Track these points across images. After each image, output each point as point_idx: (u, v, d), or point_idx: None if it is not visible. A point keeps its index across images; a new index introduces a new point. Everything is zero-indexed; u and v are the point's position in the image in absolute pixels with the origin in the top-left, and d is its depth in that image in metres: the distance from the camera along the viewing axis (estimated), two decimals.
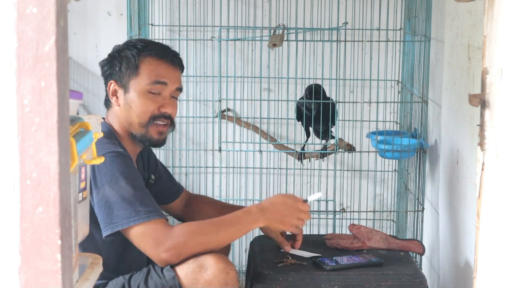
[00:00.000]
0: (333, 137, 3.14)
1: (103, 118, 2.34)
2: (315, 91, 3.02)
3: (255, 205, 2.28)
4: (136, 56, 2.28)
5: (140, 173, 2.24)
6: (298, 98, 3.30)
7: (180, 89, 2.35)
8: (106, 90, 2.34)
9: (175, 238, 2.12)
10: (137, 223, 2.11)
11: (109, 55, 2.34)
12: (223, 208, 2.52)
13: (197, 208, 2.61)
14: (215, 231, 2.16)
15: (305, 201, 2.31)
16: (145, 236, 2.12)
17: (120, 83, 2.29)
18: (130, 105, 2.27)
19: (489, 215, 1.33)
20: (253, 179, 3.55)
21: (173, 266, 2.15)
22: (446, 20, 2.77)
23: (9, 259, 0.97)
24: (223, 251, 2.60)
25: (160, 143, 2.33)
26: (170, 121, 2.31)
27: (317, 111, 3.04)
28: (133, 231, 2.12)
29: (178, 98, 2.37)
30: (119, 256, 2.20)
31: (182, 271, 2.14)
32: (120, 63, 2.29)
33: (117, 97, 2.30)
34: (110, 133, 2.26)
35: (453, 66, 2.66)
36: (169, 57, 2.31)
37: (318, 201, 3.39)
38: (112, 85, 2.30)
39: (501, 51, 1.29)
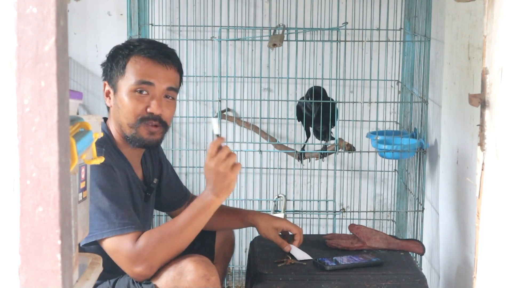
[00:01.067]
0: (332, 138, 3.14)
1: (105, 119, 2.32)
2: (315, 93, 3.01)
3: (204, 191, 2.16)
4: (125, 56, 2.23)
5: (120, 184, 2.18)
6: (298, 98, 3.30)
7: (173, 89, 2.25)
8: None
9: (142, 252, 2.07)
10: (110, 236, 2.08)
11: (106, 56, 2.31)
12: (222, 212, 2.44)
13: None
14: (178, 230, 2.11)
15: (218, 136, 2.16)
16: (116, 252, 2.09)
17: (111, 83, 2.25)
18: (118, 106, 2.22)
19: (489, 215, 1.33)
20: (253, 179, 3.55)
21: (152, 276, 2.12)
22: (446, 20, 2.77)
23: (9, 259, 0.97)
24: (227, 251, 2.57)
25: (153, 144, 2.25)
26: (160, 122, 2.22)
27: (317, 112, 3.04)
28: (106, 243, 2.09)
29: (177, 98, 2.30)
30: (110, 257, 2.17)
31: (162, 279, 2.11)
32: (111, 63, 2.25)
33: (109, 98, 2.27)
34: (105, 138, 2.22)
35: (453, 66, 2.66)
36: (158, 55, 2.23)
37: (318, 200, 3.40)
38: (106, 86, 2.27)
39: (501, 51, 1.29)
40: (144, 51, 2.23)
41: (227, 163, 2.09)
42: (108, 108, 2.31)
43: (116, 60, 2.24)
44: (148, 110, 2.20)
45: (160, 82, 2.21)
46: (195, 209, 2.13)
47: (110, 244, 2.09)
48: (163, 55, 2.24)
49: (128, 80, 2.21)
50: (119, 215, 2.09)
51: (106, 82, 2.27)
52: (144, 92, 2.20)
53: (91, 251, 2.12)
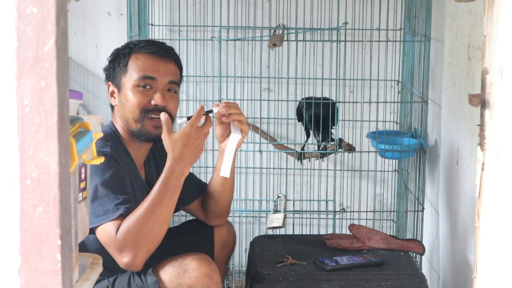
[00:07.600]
0: (332, 140, 3.13)
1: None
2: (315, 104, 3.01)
3: (168, 163, 2.13)
4: (126, 55, 2.30)
5: (119, 175, 2.17)
6: (298, 98, 3.29)
7: (175, 82, 2.29)
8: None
9: (123, 240, 2.06)
10: (101, 223, 2.07)
11: (108, 59, 2.36)
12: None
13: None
14: (151, 211, 2.07)
15: (188, 118, 2.16)
16: (106, 245, 2.08)
17: (114, 83, 2.31)
18: (123, 102, 2.27)
19: (489, 215, 1.33)
20: (253, 179, 3.54)
21: (157, 270, 2.14)
22: (446, 20, 2.77)
23: (9, 259, 0.97)
24: (229, 246, 2.56)
25: (158, 137, 2.23)
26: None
27: (316, 114, 3.03)
28: (98, 232, 2.09)
29: (177, 91, 2.31)
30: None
31: (167, 275, 2.13)
32: (113, 63, 2.32)
33: (114, 98, 2.32)
34: (111, 134, 2.26)
35: (453, 66, 2.66)
36: (158, 51, 2.29)
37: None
38: (110, 87, 2.32)
39: (501, 51, 1.29)
40: (144, 48, 2.30)
41: (199, 144, 2.13)
42: (112, 108, 2.35)
43: (118, 60, 2.31)
44: (152, 102, 2.24)
45: (161, 76, 2.27)
46: (166, 184, 2.10)
47: (100, 233, 2.09)
48: (163, 50, 2.30)
49: (131, 76, 2.26)
50: (107, 204, 2.08)
51: (109, 83, 2.32)
52: (147, 87, 2.26)
53: (91, 242, 2.13)
